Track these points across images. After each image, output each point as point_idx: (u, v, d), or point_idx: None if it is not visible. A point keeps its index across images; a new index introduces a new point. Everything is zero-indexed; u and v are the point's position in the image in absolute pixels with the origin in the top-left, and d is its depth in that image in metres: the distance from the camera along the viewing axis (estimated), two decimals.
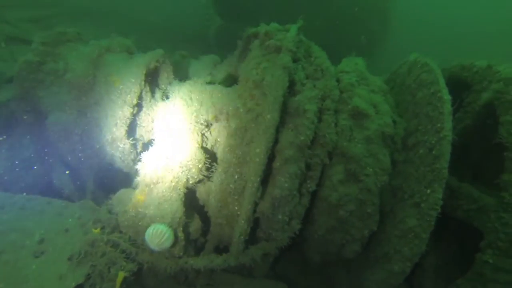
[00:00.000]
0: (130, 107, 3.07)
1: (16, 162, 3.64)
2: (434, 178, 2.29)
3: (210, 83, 3.08)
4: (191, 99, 2.88)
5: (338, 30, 9.41)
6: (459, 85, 3.13)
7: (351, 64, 3.10)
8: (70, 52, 3.38)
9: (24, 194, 3.08)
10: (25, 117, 3.34)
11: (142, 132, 3.40)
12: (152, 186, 2.80)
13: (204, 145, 3.02)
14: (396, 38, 10.72)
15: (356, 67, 3.04)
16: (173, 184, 2.77)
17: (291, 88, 2.62)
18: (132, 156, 3.31)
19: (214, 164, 2.79)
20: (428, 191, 2.30)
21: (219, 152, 2.96)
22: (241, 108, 2.54)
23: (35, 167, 3.44)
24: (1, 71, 5.21)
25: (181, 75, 4.57)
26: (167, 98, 3.51)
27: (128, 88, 3.06)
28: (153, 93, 3.43)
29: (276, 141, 2.52)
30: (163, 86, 3.57)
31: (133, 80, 3.08)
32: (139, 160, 3.10)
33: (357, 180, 2.61)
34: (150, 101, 3.36)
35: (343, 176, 2.65)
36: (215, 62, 4.80)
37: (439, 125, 2.42)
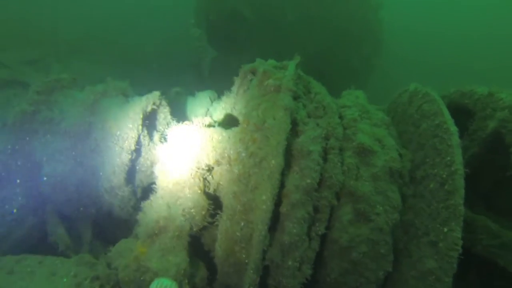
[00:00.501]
0: (128, 153, 2.98)
1: (8, 216, 3.50)
2: (450, 216, 2.19)
3: (209, 125, 3.00)
4: (190, 144, 2.80)
5: (331, 57, 9.54)
6: (459, 112, 3.09)
7: (351, 97, 3.06)
8: (66, 99, 3.32)
9: (19, 252, 2.92)
10: (18, 168, 3.23)
11: (141, 177, 3.29)
12: (154, 237, 2.66)
13: (207, 190, 2.91)
14: (388, 64, 10.88)
15: (357, 101, 3.00)
16: (177, 233, 2.64)
17: (293, 128, 2.55)
18: (131, 203, 3.20)
19: (219, 211, 2.67)
20: (445, 229, 2.19)
21: (223, 197, 2.85)
22: (243, 153, 2.46)
23: (28, 221, 3.28)
24: None
25: (178, 114, 4.52)
26: (165, 139, 3.44)
27: (126, 133, 2.99)
28: (151, 136, 3.35)
29: (281, 185, 2.43)
30: (160, 127, 3.51)
31: (130, 126, 3.01)
32: (139, 207, 2.98)
33: (368, 219, 2.50)
34: (148, 144, 3.28)
35: (352, 216, 2.54)
36: (211, 98, 4.77)
37: (448, 158, 2.35)
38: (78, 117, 3.04)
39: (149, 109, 3.19)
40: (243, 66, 3.86)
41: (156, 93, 3.31)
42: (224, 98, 4.27)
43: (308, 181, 2.41)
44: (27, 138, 3.15)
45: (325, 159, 2.58)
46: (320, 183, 2.51)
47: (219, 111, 4.23)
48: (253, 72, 3.86)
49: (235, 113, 4.11)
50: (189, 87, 10.22)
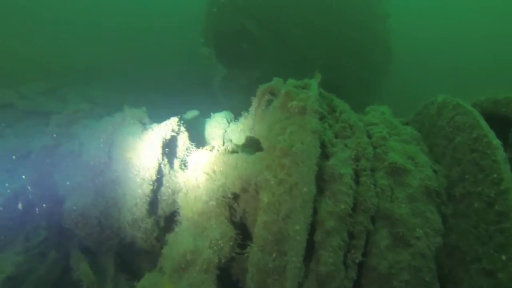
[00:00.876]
0: (150, 184, 2.90)
1: (31, 250, 3.45)
2: (507, 242, 2.02)
3: (232, 151, 2.91)
4: (214, 172, 2.71)
5: (341, 67, 9.45)
6: (493, 121, 2.94)
7: (377, 114, 2.94)
8: (85, 130, 3.29)
9: None
10: (41, 202, 3.19)
11: (163, 206, 3.20)
12: (181, 272, 2.55)
13: (233, 218, 2.80)
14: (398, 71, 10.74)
15: (383, 117, 2.88)
16: (205, 267, 2.52)
17: (322, 151, 2.43)
18: (155, 234, 3.10)
19: (248, 242, 2.54)
20: (503, 257, 2.02)
21: (251, 226, 2.73)
22: (272, 180, 2.35)
23: (51, 256, 3.22)
24: (16, 148, 5.19)
25: (195, 137, 4.46)
26: (185, 165, 3.36)
27: (146, 164, 2.91)
28: (171, 163, 3.27)
29: (314, 211, 2.30)
30: (180, 154, 3.43)
31: (150, 155, 2.93)
32: (162, 237, 2.88)
33: (407, 244, 2.34)
34: (169, 172, 3.20)
35: (390, 241, 2.39)
36: (228, 119, 4.70)
37: (495, 175, 2.19)
38: (97, 150, 2.99)
39: (168, 136, 3.12)
40: (260, 86, 3.79)
41: (174, 120, 3.25)
42: (241, 119, 4.19)
43: (342, 206, 2.28)
44: (49, 172, 3.10)
45: (357, 182, 2.45)
46: (354, 208, 2.38)
47: (238, 132, 4.15)
48: (271, 92, 3.79)
49: (254, 134, 4.03)
50: (200, 106, 10.25)
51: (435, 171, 2.66)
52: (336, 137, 2.65)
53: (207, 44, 9.13)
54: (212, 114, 4.89)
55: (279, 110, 2.68)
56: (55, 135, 3.10)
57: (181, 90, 10.08)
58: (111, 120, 3.22)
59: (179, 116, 3.36)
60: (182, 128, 3.38)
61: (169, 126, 3.15)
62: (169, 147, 3.29)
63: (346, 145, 2.54)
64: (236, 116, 5.31)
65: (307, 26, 8.70)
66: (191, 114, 4.80)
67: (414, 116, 3.48)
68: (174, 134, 3.14)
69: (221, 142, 4.50)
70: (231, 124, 4.61)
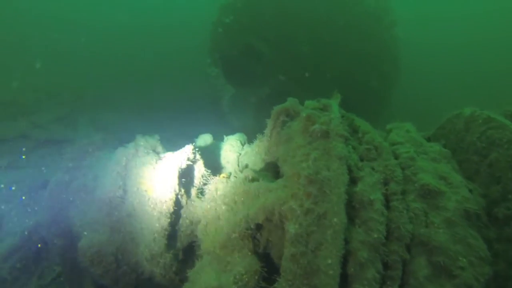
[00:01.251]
0: (167, 217, 2.78)
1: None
2: None
3: (253, 179, 2.78)
4: (235, 202, 2.58)
5: (349, 79, 9.36)
6: None
7: (401, 132, 2.79)
8: (98, 162, 3.20)
9: None
10: (55, 241, 3.08)
11: (181, 238, 3.07)
12: None
13: (256, 249, 2.64)
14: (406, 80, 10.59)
15: (408, 135, 2.73)
16: None
17: (349, 176, 2.30)
18: (173, 269, 2.96)
19: (276, 276, 2.39)
20: None
21: (276, 257, 2.57)
22: (298, 210, 2.20)
23: None
24: (32, 178, 5.15)
25: (210, 161, 4.34)
26: (202, 194, 3.24)
27: (163, 196, 2.80)
28: (188, 193, 3.16)
29: (345, 241, 2.14)
30: (196, 181, 3.31)
31: (167, 187, 2.82)
32: (181, 271, 2.73)
33: (450, 275, 2.15)
34: (186, 203, 3.08)
35: (429, 271, 2.20)
36: (242, 141, 4.60)
37: None
38: (112, 183, 2.89)
39: (184, 165, 3.02)
40: (274, 107, 3.69)
41: (189, 147, 3.15)
42: (256, 142, 4.07)
43: (375, 235, 2.13)
44: (63, 208, 3.01)
45: (387, 207, 2.30)
46: (387, 235, 2.22)
47: (254, 156, 4.02)
48: (287, 114, 3.68)
49: (270, 157, 3.91)
50: (210, 125, 10.20)
51: (470, 191, 2.49)
52: (361, 160, 2.51)
53: (214, 64, 9.15)
54: (225, 137, 4.80)
55: (300, 135, 2.56)
56: (68, 169, 3.01)
57: (190, 110, 10.07)
58: (124, 151, 3.13)
59: (193, 143, 3.26)
60: (198, 156, 3.28)
61: (184, 154, 3.05)
62: (185, 176, 3.18)
63: (373, 168, 2.39)
64: (249, 136, 5.21)
65: (315, 42, 8.67)
66: (204, 138, 4.72)
67: (437, 131, 3.33)
68: (189, 163, 3.03)
69: (236, 166, 4.38)
70: (245, 147, 4.50)
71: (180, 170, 2.98)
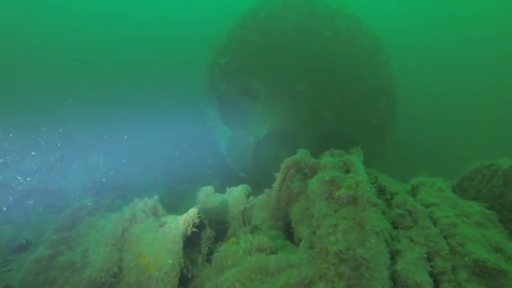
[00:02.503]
0: None
1: None
2: None
3: (269, 250, 2.42)
4: (251, 280, 2.20)
5: (348, 117, 9.25)
6: None
7: (433, 190, 2.50)
8: (89, 231, 2.82)
9: None
10: None
11: None
12: None
13: None
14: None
15: (441, 194, 2.43)
16: None
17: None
18: None
19: None
20: None
21: None
22: None
23: None
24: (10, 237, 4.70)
25: (213, 218, 4.00)
26: (209, 260, 2.85)
27: (167, 273, 2.41)
28: (194, 263, 2.77)
29: None
30: (203, 248, 2.93)
31: (171, 262, 2.44)
32: None
33: None
34: (191, 276, 2.68)
35: None
36: (246, 194, 4.27)
37: None
38: (105, 260, 2.49)
39: (189, 233, 2.66)
40: (284, 160, 3.41)
41: (194, 211, 2.80)
42: (264, 196, 3.75)
43: None
44: None
45: None
46: None
47: (262, 212, 3.68)
48: (297, 167, 3.41)
49: (280, 214, 3.57)
50: (208, 169, 9.80)
51: None
52: (395, 227, 2.19)
53: (211, 105, 8.98)
54: (227, 189, 4.47)
55: (323, 201, 2.24)
56: (52, 243, 2.61)
57: (189, 152, 9.76)
58: (120, 219, 2.76)
59: (197, 206, 2.92)
60: (203, 218, 2.92)
61: (189, 219, 2.69)
62: (190, 243, 2.81)
63: (412, 240, 2.07)
64: (249, 181, 4.89)
65: (312, 81, 8.61)
66: (206, 191, 4.38)
67: (462, 182, 3.03)
68: (196, 230, 2.67)
69: (242, 222, 4.03)
70: (251, 199, 4.17)
71: (184, 239, 2.62)
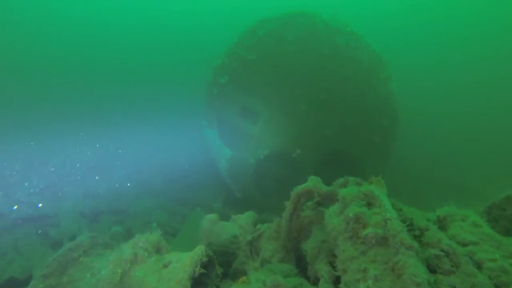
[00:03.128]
0: None
1: None
2: None
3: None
4: None
5: (349, 135, 9.10)
6: None
7: (466, 225, 2.26)
8: (83, 275, 2.54)
9: None
10: None
11: None
12: None
13: None
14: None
15: (479, 230, 2.20)
16: None
17: None
18: None
19: None
20: None
21: None
22: None
23: None
24: None
25: (218, 248, 3.76)
26: None
27: None
28: None
29: None
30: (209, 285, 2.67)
31: None
32: None
33: None
34: None
35: None
36: (253, 221, 4.03)
37: None
38: None
39: (197, 274, 2.40)
40: (294, 189, 3.19)
41: (202, 249, 2.55)
42: (274, 226, 3.51)
43: None
44: None
45: None
46: None
47: (271, 243, 3.43)
48: (309, 195, 3.19)
49: (291, 244, 3.33)
50: (208, 190, 9.48)
51: None
52: (430, 270, 1.96)
53: (210, 125, 8.79)
54: (232, 216, 4.23)
55: (347, 241, 2.01)
56: None
57: (187, 176, 9.48)
58: (119, 260, 2.50)
59: (203, 243, 2.67)
60: (211, 255, 2.67)
61: (197, 259, 2.44)
62: (195, 280, 2.55)
63: None
64: (251, 202, 4.64)
65: (312, 100, 8.49)
66: (210, 219, 4.12)
67: (491, 210, 2.83)
68: (204, 271, 2.41)
69: (249, 253, 3.77)
70: (258, 227, 3.91)
71: (192, 281, 2.36)
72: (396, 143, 10.25)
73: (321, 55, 8.72)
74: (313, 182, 3.14)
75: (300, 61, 8.58)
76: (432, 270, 1.96)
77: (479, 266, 1.97)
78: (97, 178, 9.40)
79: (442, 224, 2.43)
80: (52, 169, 9.09)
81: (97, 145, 11.21)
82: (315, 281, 2.74)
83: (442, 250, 2.01)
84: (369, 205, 2.27)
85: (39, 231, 6.45)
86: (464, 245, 2.12)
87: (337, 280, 2.23)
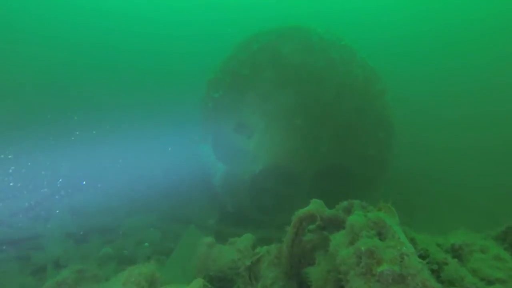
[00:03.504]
0: None
1: None
2: None
3: None
4: None
5: (345, 149, 9.02)
6: None
7: (488, 258, 2.11)
8: None
9: None
10: None
11: None
12: None
13: None
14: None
15: (504, 265, 2.05)
16: None
17: None
18: None
19: None
20: None
21: None
22: None
23: None
24: None
25: (214, 273, 3.58)
26: None
27: None
28: None
29: None
30: None
31: None
32: None
33: None
34: None
35: None
36: (251, 245, 3.85)
37: None
38: None
39: None
40: (296, 213, 3.04)
41: (200, 282, 2.36)
42: (275, 252, 3.34)
43: None
44: None
45: None
46: None
47: (272, 271, 3.25)
48: (311, 220, 3.03)
49: (293, 271, 3.16)
50: (202, 206, 9.24)
51: None
52: None
53: (205, 140, 8.63)
54: (230, 239, 4.04)
55: (360, 278, 1.85)
56: None
57: (181, 191, 9.26)
58: None
59: (202, 269, 2.50)
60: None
61: None
62: None
63: None
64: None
65: (307, 114, 8.40)
66: (207, 243, 3.93)
67: (505, 236, 2.69)
68: None
69: (248, 278, 3.59)
70: (257, 250, 3.73)
71: None
72: (392, 155, 10.18)
73: (316, 69, 8.68)
74: (315, 206, 3.00)
75: (294, 75, 8.52)
76: None
77: None
78: (85, 194, 9.10)
79: (457, 254, 2.28)
80: (35, 184, 8.76)
81: (84, 159, 10.91)
82: None
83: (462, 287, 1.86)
84: (380, 235, 2.13)
85: (19, 255, 6.05)
86: (490, 282, 1.97)
87: None
